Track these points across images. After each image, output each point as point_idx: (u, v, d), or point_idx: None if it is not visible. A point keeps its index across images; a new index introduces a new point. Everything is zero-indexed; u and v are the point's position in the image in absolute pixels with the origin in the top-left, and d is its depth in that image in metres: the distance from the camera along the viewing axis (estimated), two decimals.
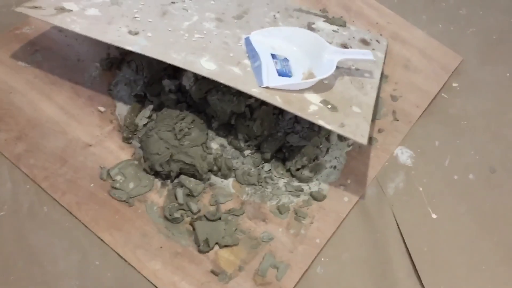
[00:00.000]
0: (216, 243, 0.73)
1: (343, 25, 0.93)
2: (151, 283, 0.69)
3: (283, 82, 0.72)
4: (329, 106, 0.73)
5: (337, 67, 0.80)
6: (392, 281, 0.74)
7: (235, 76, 0.72)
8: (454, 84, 0.95)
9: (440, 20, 1.03)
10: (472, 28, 1.03)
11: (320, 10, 0.98)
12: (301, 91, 0.74)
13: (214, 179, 0.78)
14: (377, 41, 0.93)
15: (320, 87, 0.76)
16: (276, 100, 0.70)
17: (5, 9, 0.90)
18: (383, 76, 0.92)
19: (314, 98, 0.74)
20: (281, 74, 0.75)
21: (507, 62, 0.99)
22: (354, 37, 0.91)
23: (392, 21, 0.99)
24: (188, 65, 0.71)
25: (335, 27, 0.92)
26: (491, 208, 0.82)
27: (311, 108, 0.72)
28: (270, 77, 0.73)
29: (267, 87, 0.71)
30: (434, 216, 0.80)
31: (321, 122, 0.70)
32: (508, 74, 0.97)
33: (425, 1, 1.05)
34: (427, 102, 0.91)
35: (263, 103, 0.78)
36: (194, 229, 0.73)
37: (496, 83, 0.96)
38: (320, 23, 0.91)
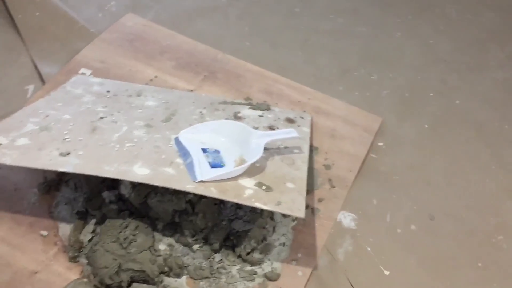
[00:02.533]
0: None
1: (267, 108, 1.00)
2: None
3: (216, 173, 0.76)
4: (264, 187, 0.77)
5: (267, 149, 0.84)
6: None
7: (169, 176, 0.75)
8: (379, 144, 1.01)
9: (356, 88, 1.11)
10: (385, 90, 1.11)
11: (244, 99, 1.04)
12: (235, 178, 0.77)
13: (167, 280, 0.78)
14: (301, 117, 0.99)
15: (253, 171, 0.80)
16: (212, 192, 0.73)
17: None
18: (313, 149, 0.97)
19: (249, 183, 0.77)
20: (213, 166, 0.78)
21: (423, 115, 1.07)
22: (279, 118, 0.97)
23: (312, 97, 1.07)
24: (122, 175, 0.73)
25: (260, 112, 0.98)
26: (438, 254, 0.85)
27: (247, 192, 0.75)
28: (203, 171, 0.76)
29: (201, 181, 0.74)
30: (386, 272, 0.83)
31: (257, 204, 0.73)
32: (426, 126, 1.05)
33: (339, 74, 1.14)
34: (358, 165, 0.96)
35: (202, 196, 0.80)
36: None
37: (417, 135, 1.03)
38: (245, 111, 0.97)
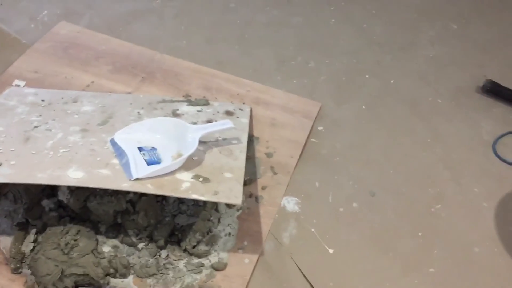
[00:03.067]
0: None
1: (206, 103, 1.00)
2: None
3: (151, 169, 0.76)
4: (201, 179, 0.78)
5: (205, 142, 0.85)
6: None
7: (104, 177, 0.75)
8: (319, 128, 1.03)
9: (294, 77, 1.13)
10: (322, 76, 1.14)
11: (183, 96, 1.05)
12: (172, 173, 0.78)
13: (113, 281, 0.78)
14: (240, 109, 1.01)
15: (191, 164, 0.80)
16: (148, 188, 0.74)
17: None
18: (254, 139, 0.99)
19: (186, 176, 0.78)
20: (150, 163, 0.79)
21: (359, 97, 1.10)
22: (218, 112, 0.98)
23: (251, 88, 1.08)
24: (55, 180, 0.73)
25: (199, 107, 0.99)
26: (379, 228, 0.88)
27: (184, 185, 0.76)
28: (139, 169, 0.76)
29: (137, 179, 0.75)
30: (331, 251, 0.85)
31: (194, 196, 0.74)
32: (363, 107, 1.08)
33: (276, 64, 1.16)
34: (299, 150, 0.98)
35: (142, 194, 0.81)
36: None
37: (355, 117, 1.06)
38: (184, 108, 0.98)
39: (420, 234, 0.88)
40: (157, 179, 0.76)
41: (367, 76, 1.15)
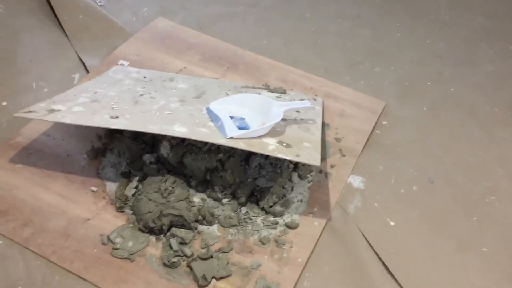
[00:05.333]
0: (213, 277, 0.83)
1: (283, 92, 1.13)
2: None
3: (242, 132, 0.89)
4: (284, 144, 0.89)
5: (285, 119, 0.97)
6: (370, 282, 0.85)
7: (203, 134, 0.88)
8: (384, 122, 1.14)
9: (361, 78, 1.25)
10: (387, 80, 1.25)
11: (263, 85, 1.18)
12: (260, 137, 0.90)
13: (201, 227, 0.90)
14: (314, 99, 1.13)
15: (274, 133, 0.92)
16: (240, 145, 0.86)
17: None
18: (324, 125, 1.11)
19: (271, 141, 0.90)
20: (240, 128, 0.91)
21: (421, 100, 1.20)
22: (294, 99, 1.11)
23: (323, 84, 1.21)
24: (164, 131, 0.87)
25: (277, 94, 1.11)
26: (437, 209, 0.97)
27: (270, 147, 0.88)
28: (232, 130, 0.89)
29: (231, 138, 0.87)
30: (392, 223, 0.94)
31: (280, 155, 0.85)
32: (425, 108, 1.18)
33: (346, 67, 1.28)
34: (365, 138, 1.09)
35: (231, 155, 0.93)
36: (191, 269, 0.83)
37: (416, 116, 1.16)
38: (264, 93, 1.11)
39: (474, 219, 0.96)
40: (247, 140, 0.88)
41: (429, 83, 1.25)
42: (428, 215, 0.96)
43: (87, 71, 1.18)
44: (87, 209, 0.91)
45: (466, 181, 1.03)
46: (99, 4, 1.37)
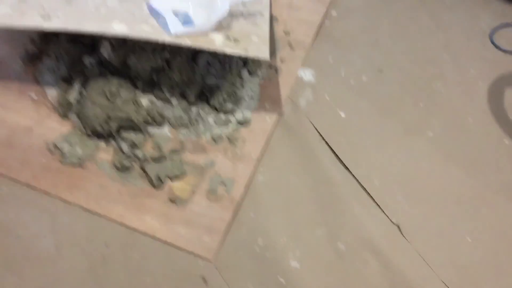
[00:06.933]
0: (167, 177, 0.83)
1: None
2: (119, 223, 0.78)
3: (187, 29, 0.84)
4: (232, 39, 0.86)
5: (232, 14, 0.93)
6: (321, 169, 0.88)
7: (145, 32, 0.83)
8: (333, 13, 1.11)
9: None
10: None
11: None
12: (206, 33, 0.86)
13: (151, 129, 0.88)
14: None
15: (221, 28, 0.88)
16: (186, 42, 0.82)
17: None
18: (273, 18, 1.07)
19: (218, 37, 0.86)
20: (185, 24, 0.86)
21: None
22: None
23: None
24: (102, 30, 0.81)
25: None
26: (386, 97, 0.99)
27: (217, 43, 0.84)
28: (177, 27, 0.84)
29: (176, 35, 0.83)
30: (343, 115, 0.95)
31: (228, 50, 0.82)
32: None
33: None
34: (314, 30, 1.06)
35: (177, 54, 0.89)
36: (144, 171, 0.83)
37: (366, 5, 1.14)
38: None
39: (421, 104, 0.98)
40: (193, 37, 0.84)
41: None
42: (377, 104, 0.98)
43: None
44: (29, 117, 0.87)
45: (413, 68, 1.04)
46: None
